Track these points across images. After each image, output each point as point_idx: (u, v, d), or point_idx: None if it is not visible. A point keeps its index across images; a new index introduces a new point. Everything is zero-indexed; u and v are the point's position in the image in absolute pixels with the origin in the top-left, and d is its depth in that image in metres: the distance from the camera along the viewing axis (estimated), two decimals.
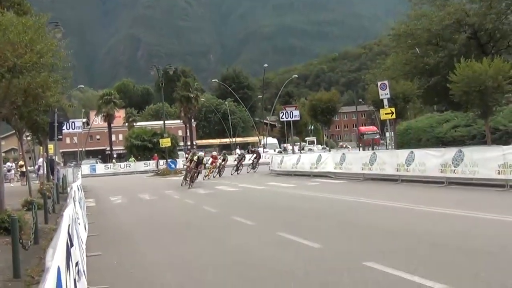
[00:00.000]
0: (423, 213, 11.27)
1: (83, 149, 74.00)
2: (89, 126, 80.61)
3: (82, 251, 7.20)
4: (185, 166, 31.43)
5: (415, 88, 32.75)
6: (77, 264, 5.04)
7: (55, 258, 2.73)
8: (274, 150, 65.05)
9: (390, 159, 20.63)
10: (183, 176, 28.13)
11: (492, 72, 24.28)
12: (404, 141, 35.31)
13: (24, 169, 32.27)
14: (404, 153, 20.10)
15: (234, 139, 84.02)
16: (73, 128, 34.14)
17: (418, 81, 34.68)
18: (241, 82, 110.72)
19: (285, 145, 73.00)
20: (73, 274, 3.99)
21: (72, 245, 4.60)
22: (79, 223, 8.62)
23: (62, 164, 42.44)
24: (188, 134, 79.61)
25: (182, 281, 6.98)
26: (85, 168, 53.64)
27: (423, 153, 18.86)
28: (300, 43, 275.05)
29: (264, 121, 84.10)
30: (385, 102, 26.12)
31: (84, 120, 75.63)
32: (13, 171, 44.74)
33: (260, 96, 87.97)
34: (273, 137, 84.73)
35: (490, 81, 24.09)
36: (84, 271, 5.99)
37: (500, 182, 14.63)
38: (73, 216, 6.62)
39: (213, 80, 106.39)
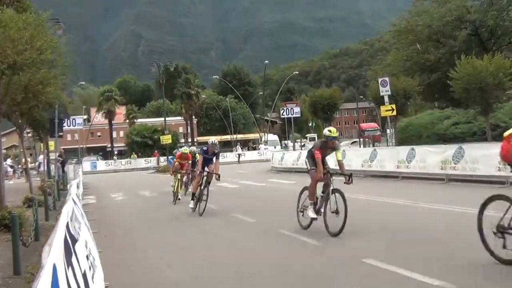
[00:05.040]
0: (423, 210, 11.28)
1: (84, 146, 74.03)
2: (90, 123, 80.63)
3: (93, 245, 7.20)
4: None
5: (415, 85, 32.68)
6: (87, 257, 5.08)
7: (51, 255, 2.73)
8: (275, 147, 65.06)
9: (390, 156, 20.65)
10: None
11: (493, 69, 24.23)
12: (405, 138, 35.25)
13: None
14: (404, 149, 20.10)
15: (235, 136, 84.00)
16: (74, 124, 34.20)
17: (418, 78, 34.60)
18: (242, 78, 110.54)
19: (286, 141, 72.98)
20: (79, 269, 4.02)
21: (76, 240, 4.61)
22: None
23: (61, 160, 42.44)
24: (189, 130, 79.60)
25: (182, 278, 7.00)
26: (86, 165, 53.73)
27: (423, 150, 18.86)
28: (301, 40, 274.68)
29: (265, 117, 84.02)
30: (386, 98, 26.12)
31: (85, 116, 75.71)
32: (11, 170, 44.51)
33: (261, 93, 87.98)
34: (274, 133, 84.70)
35: (491, 78, 24.04)
36: (99, 264, 6.01)
37: (500, 179, 14.61)
38: (77, 211, 6.62)
39: (214, 77, 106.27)
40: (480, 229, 6.57)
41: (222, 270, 7.24)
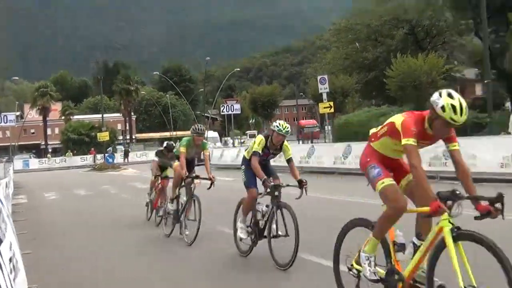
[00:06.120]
0: (360, 205, 11.41)
1: (16, 144, 71.34)
2: (23, 120, 77.78)
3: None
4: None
5: (353, 83, 33.34)
6: (10, 260, 4.79)
7: None
8: (215, 144, 64.82)
9: (327, 152, 20.93)
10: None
11: (427, 68, 24.99)
12: (343, 135, 35.87)
13: None
14: (341, 146, 20.42)
15: (174, 133, 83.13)
16: (6, 121, 33.00)
17: (357, 76, 35.32)
18: (183, 75, 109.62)
19: (226, 138, 72.91)
20: (6, 271, 3.78)
21: (0, 241, 4.33)
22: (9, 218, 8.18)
23: None
24: (127, 127, 78.22)
25: (115, 279, 6.76)
26: (18, 163, 51.75)
27: (359, 146, 19.18)
28: (244, 37, 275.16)
29: (205, 114, 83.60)
30: (324, 96, 26.43)
31: (18, 113, 72.94)
32: None
33: (202, 90, 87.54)
34: (214, 130, 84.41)
35: (425, 76, 24.78)
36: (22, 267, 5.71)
37: (431, 174, 15.02)
38: (4, 212, 6.24)
39: (154, 73, 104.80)
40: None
41: (173, 272, 7.04)
